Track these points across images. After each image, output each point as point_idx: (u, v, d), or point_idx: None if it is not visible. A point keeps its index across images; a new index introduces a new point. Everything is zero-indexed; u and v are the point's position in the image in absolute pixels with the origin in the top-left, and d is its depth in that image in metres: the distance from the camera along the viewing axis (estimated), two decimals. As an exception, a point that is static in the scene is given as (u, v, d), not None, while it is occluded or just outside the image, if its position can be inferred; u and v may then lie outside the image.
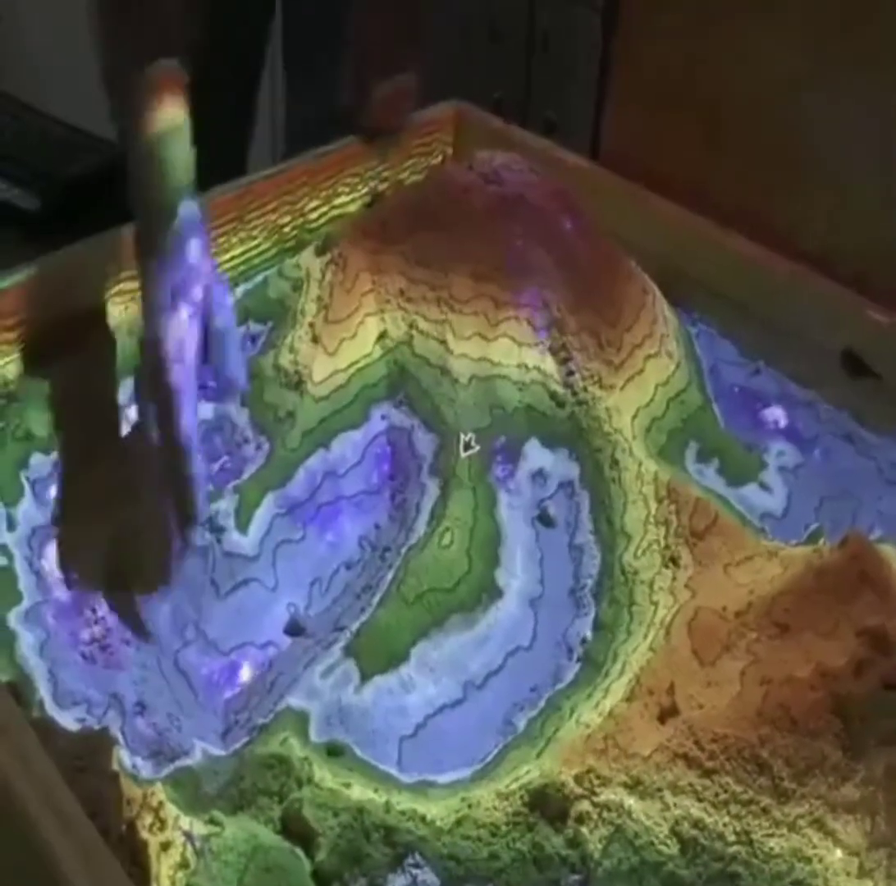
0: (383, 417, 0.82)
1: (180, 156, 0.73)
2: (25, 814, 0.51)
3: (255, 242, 0.96)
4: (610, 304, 0.85)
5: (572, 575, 0.74)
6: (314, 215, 0.99)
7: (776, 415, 0.86)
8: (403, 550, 0.74)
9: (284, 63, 1.29)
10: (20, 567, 0.73)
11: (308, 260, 0.92)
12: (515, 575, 0.73)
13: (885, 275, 0.86)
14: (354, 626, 0.71)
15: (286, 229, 0.97)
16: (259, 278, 0.95)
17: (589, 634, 0.70)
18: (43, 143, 1.36)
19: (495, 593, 0.73)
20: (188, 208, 0.72)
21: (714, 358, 0.89)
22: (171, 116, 0.72)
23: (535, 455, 0.79)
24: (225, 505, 0.77)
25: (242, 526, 0.77)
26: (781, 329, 0.87)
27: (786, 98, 0.93)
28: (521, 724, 0.67)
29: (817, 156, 0.92)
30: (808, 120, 0.93)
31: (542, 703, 0.68)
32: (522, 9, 1.28)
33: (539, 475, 0.78)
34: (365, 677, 0.68)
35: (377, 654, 0.69)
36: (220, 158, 0.81)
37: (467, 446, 0.78)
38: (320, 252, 0.92)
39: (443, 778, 0.64)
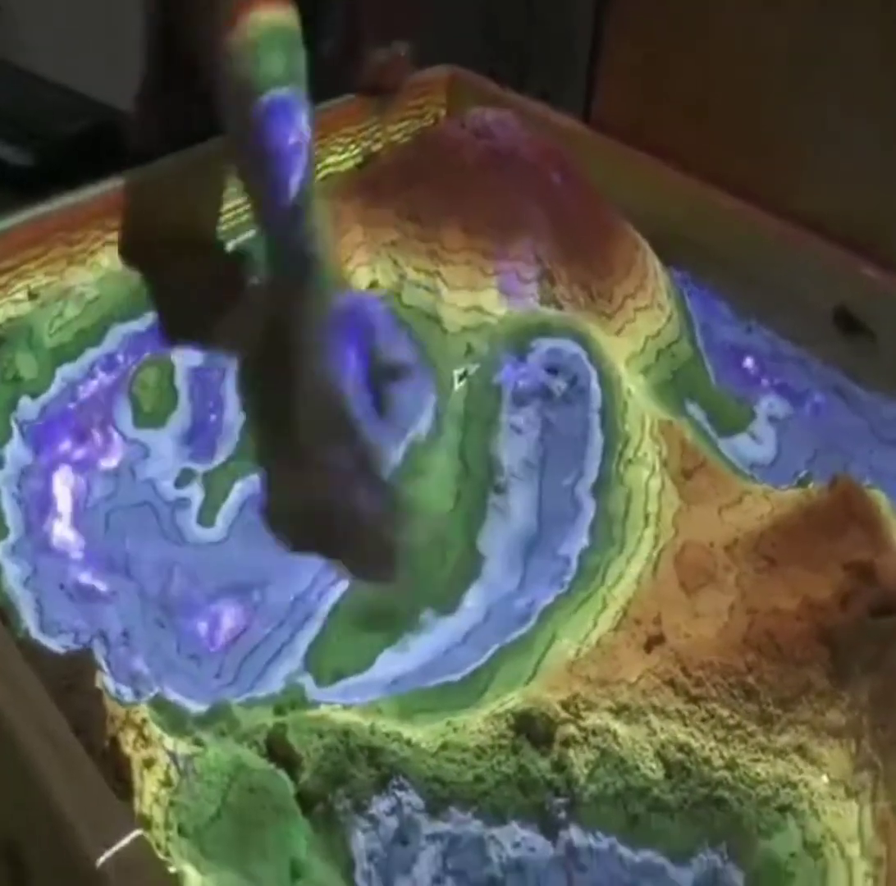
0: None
1: (279, 56, 0.66)
2: (12, 731, 0.51)
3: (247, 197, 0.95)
4: (600, 258, 0.85)
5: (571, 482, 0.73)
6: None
7: (767, 371, 0.85)
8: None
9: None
10: (7, 504, 0.73)
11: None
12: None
13: (878, 236, 0.86)
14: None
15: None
16: (250, 234, 0.94)
17: (585, 542, 0.69)
18: (37, 103, 1.36)
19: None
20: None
21: (706, 316, 0.89)
22: (270, 19, 0.67)
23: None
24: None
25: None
26: (774, 288, 0.87)
27: (780, 64, 0.93)
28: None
29: (810, 120, 0.93)
30: (801, 85, 0.93)
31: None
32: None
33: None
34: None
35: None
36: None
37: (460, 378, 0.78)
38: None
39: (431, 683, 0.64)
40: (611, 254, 0.85)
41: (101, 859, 0.46)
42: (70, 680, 0.58)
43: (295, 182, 0.64)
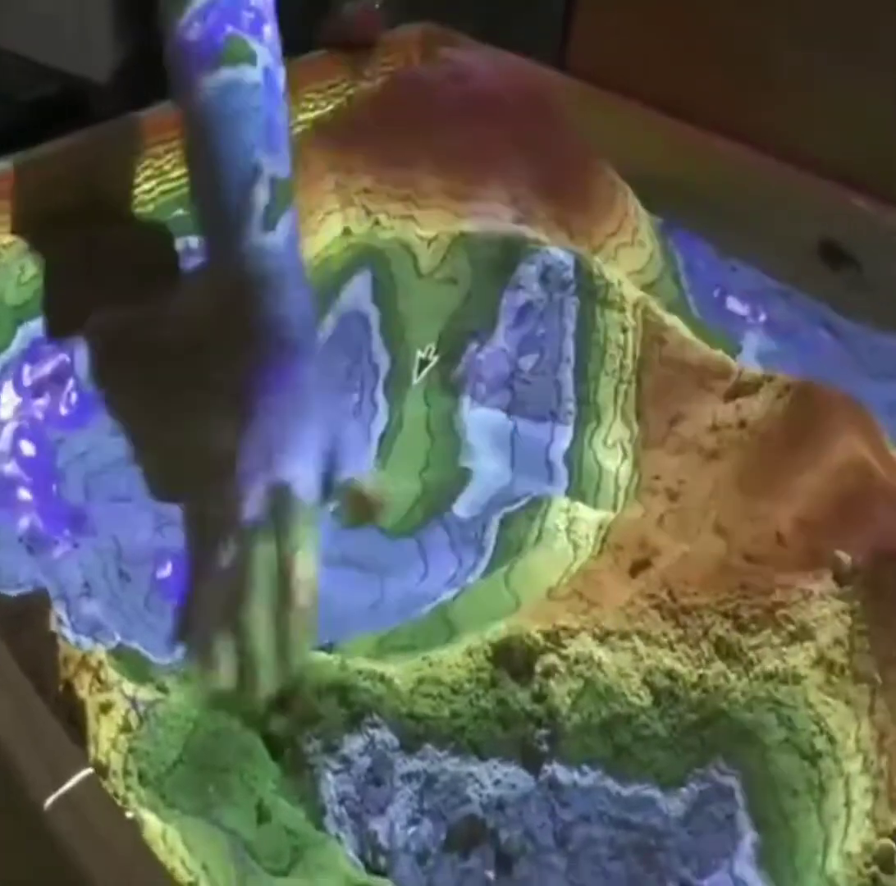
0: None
1: None
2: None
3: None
4: (579, 197, 0.82)
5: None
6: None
7: (753, 307, 0.83)
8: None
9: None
10: None
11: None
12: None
13: (864, 169, 0.83)
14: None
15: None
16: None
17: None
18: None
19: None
20: None
21: (690, 257, 0.87)
22: None
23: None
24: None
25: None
26: (758, 224, 0.85)
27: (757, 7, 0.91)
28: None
29: (789, 57, 0.90)
30: (784, 25, 0.91)
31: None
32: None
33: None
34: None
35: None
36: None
37: (423, 363, 0.75)
38: (283, 159, 0.89)
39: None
40: (590, 194, 0.83)
41: (49, 800, 0.43)
42: (22, 621, 0.55)
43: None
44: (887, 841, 0.48)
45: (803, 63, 0.88)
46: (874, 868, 0.47)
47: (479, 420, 0.72)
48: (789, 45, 0.89)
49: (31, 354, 0.75)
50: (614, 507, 0.69)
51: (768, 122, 0.89)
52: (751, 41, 0.91)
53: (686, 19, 0.96)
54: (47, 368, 0.75)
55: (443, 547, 0.66)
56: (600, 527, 0.62)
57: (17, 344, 0.76)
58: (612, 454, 0.69)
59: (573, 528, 0.64)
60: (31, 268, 0.78)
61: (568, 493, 0.68)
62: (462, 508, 0.67)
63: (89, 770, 0.44)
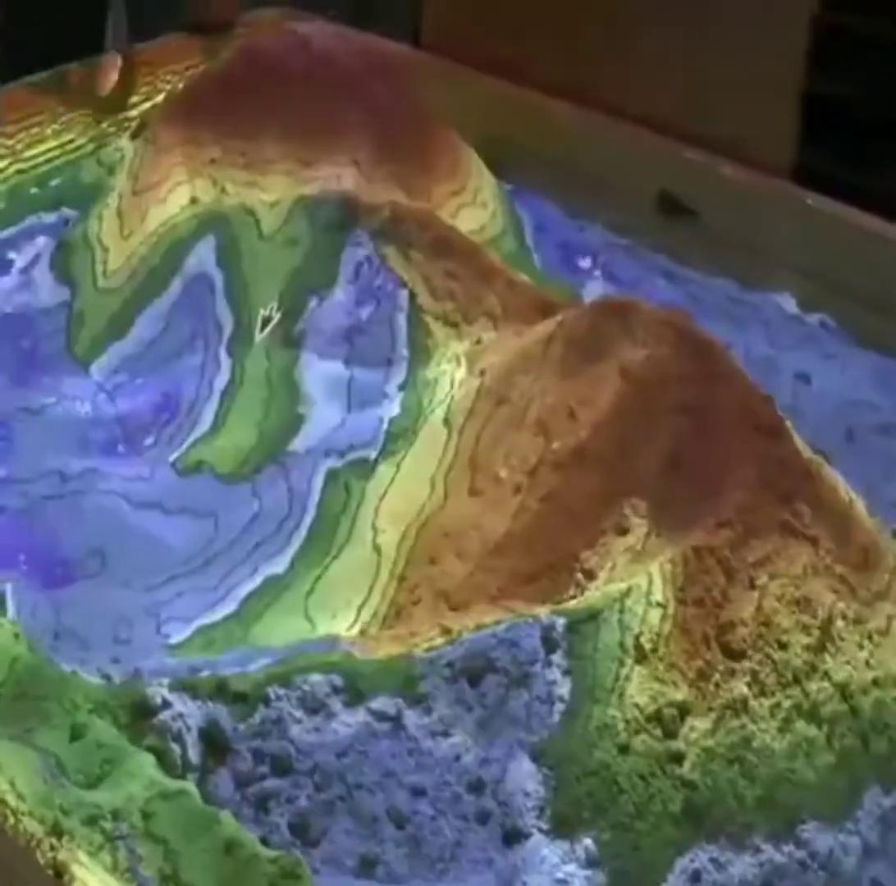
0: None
1: None
2: None
3: (71, 136, 0.94)
4: (420, 159, 0.84)
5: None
6: (134, 113, 0.97)
7: (597, 261, 0.85)
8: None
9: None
10: None
11: (123, 143, 0.91)
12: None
13: (696, 120, 0.86)
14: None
15: (104, 123, 0.96)
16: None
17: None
18: None
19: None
20: None
21: (539, 219, 0.89)
22: None
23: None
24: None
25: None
26: (601, 182, 0.88)
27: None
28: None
29: (629, 21, 0.93)
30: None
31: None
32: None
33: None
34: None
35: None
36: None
37: (266, 322, 0.76)
38: (135, 135, 0.90)
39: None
40: (431, 155, 0.85)
41: None
42: None
43: None
44: None
45: (642, 28, 0.91)
46: None
47: (318, 372, 0.73)
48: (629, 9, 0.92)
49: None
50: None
51: (611, 80, 0.91)
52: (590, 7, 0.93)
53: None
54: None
55: (277, 488, 0.67)
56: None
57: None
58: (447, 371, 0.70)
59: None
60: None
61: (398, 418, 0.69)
62: (295, 447, 0.69)
63: None
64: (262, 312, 0.76)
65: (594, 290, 0.82)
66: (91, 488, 0.69)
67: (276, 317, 0.76)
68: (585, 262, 0.85)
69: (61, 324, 0.79)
